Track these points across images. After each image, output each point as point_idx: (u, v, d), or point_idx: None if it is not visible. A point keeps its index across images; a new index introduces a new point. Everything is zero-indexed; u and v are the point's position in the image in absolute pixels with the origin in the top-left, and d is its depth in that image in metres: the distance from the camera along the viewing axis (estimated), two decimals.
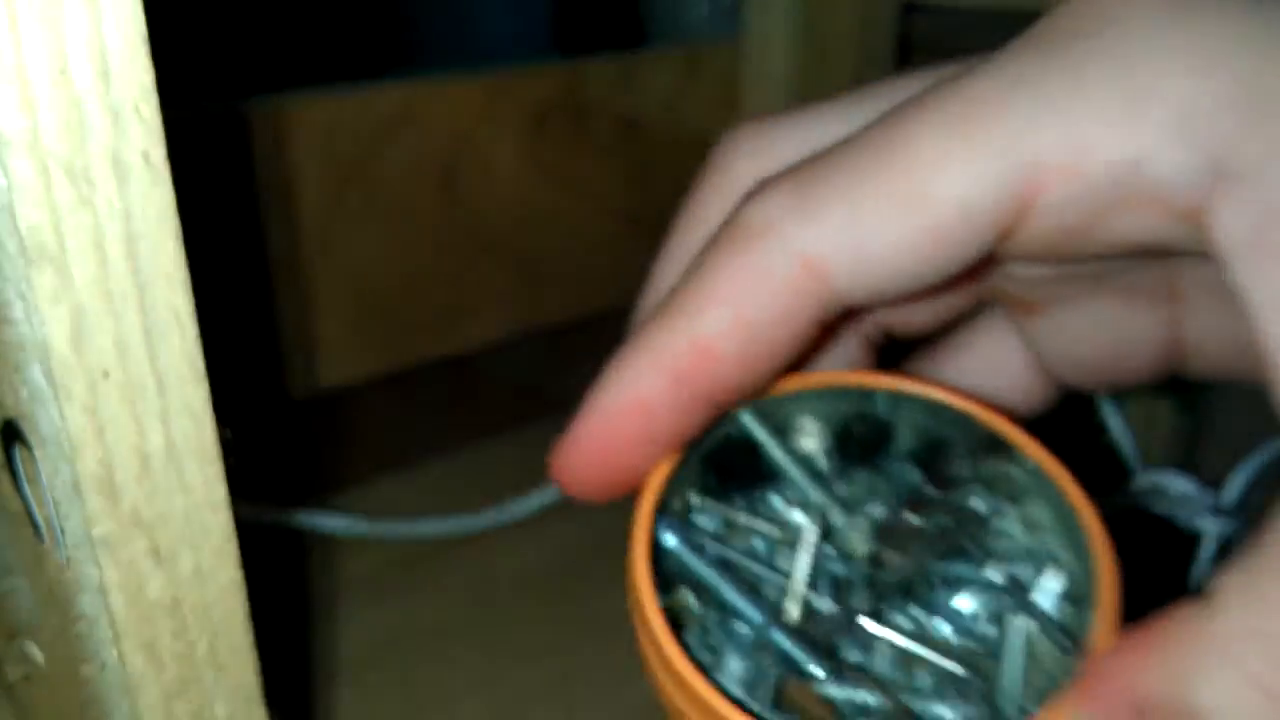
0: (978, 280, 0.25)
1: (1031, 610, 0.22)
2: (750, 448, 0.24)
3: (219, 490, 0.20)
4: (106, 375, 0.18)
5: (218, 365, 0.20)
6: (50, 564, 0.21)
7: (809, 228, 0.20)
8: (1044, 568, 0.22)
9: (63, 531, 0.20)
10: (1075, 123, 0.19)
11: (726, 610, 0.22)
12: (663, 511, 0.22)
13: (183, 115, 0.39)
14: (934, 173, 0.19)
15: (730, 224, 0.21)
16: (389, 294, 0.47)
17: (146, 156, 0.17)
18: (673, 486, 0.23)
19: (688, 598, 0.22)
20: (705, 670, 0.20)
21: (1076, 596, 0.21)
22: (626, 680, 0.32)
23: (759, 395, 0.23)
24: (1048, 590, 0.22)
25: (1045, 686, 0.21)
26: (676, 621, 0.21)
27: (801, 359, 0.23)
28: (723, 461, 0.24)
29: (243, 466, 0.22)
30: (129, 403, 0.18)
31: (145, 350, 0.18)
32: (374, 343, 0.48)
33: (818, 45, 0.51)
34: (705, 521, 0.24)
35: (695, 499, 0.24)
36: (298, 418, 0.47)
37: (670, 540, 0.22)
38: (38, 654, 0.26)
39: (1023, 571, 0.22)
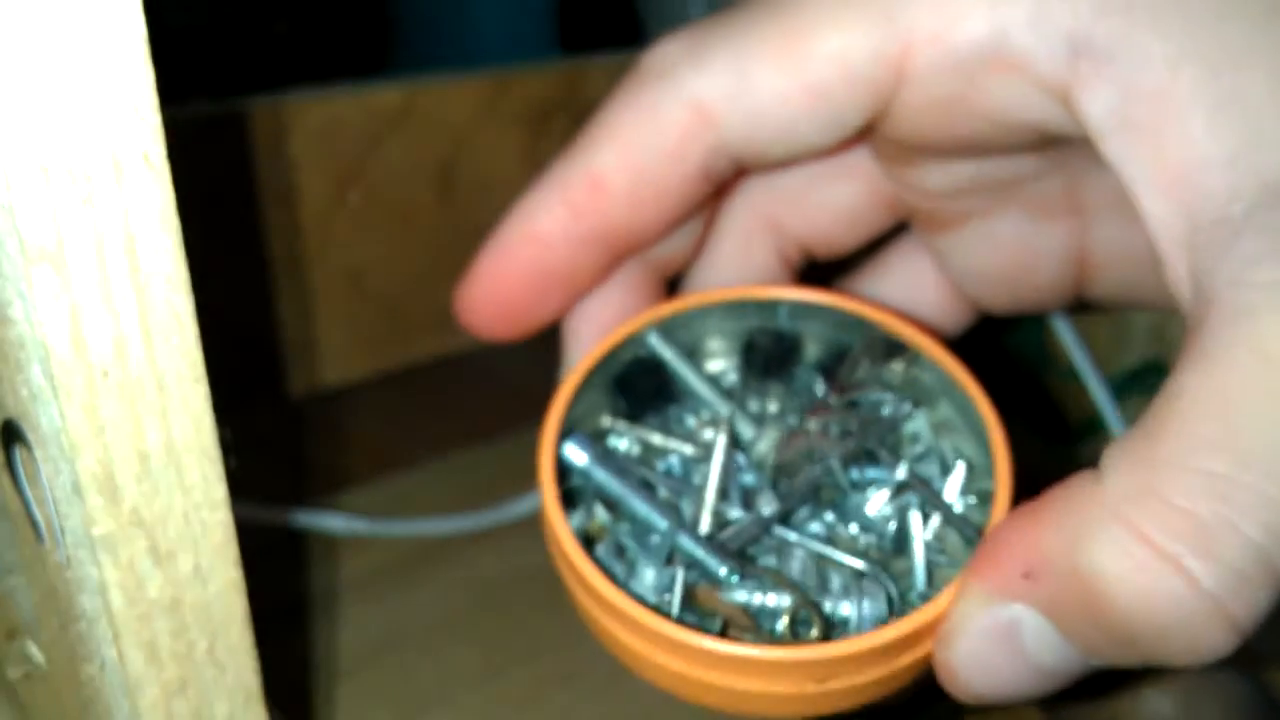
0: (888, 200, 0.26)
1: (937, 505, 0.22)
2: (658, 368, 0.25)
3: (219, 490, 0.20)
4: (106, 375, 0.18)
5: (217, 365, 0.20)
6: (50, 564, 0.21)
7: (700, 74, 0.22)
8: (951, 466, 0.23)
9: (63, 531, 0.20)
10: (945, 0, 0.20)
11: (638, 522, 0.23)
12: (575, 433, 0.23)
13: (183, 115, 0.39)
14: (818, 33, 0.21)
15: (632, 70, 0.23)
16: (388, 293, 0.47)
17: (146, 156, 0.17)
18: (582, 408, 0.23)
19: (599, 513, 0.23)
20: (617, 579, 0.21)
21: (983, 492, 0.22)
22: (625, 679, 0.32)
23: (667, 309, 0.24)
24: (954, 487, 0.23)
25: (952, 576, 0.21)
26: (590, 537, 0.22)
27: (693, 210, 0.24)
28: (633, 384, 0.24)
29: (242, 466, 0.22)
30: (129, 402, 0.18)
31: (145, 350, 0.18)
32: (373, 342, 0.48)
33: None
34: (620, 443, 0.24)
35: (608, 422, 0.24)
36: (297, 417, 0.47)
37: (581, 457, 0.23)
38: (38, 654, 0.26)
39: (930, 471, 0.23)
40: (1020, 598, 0.19)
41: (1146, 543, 0.17)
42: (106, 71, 0.17)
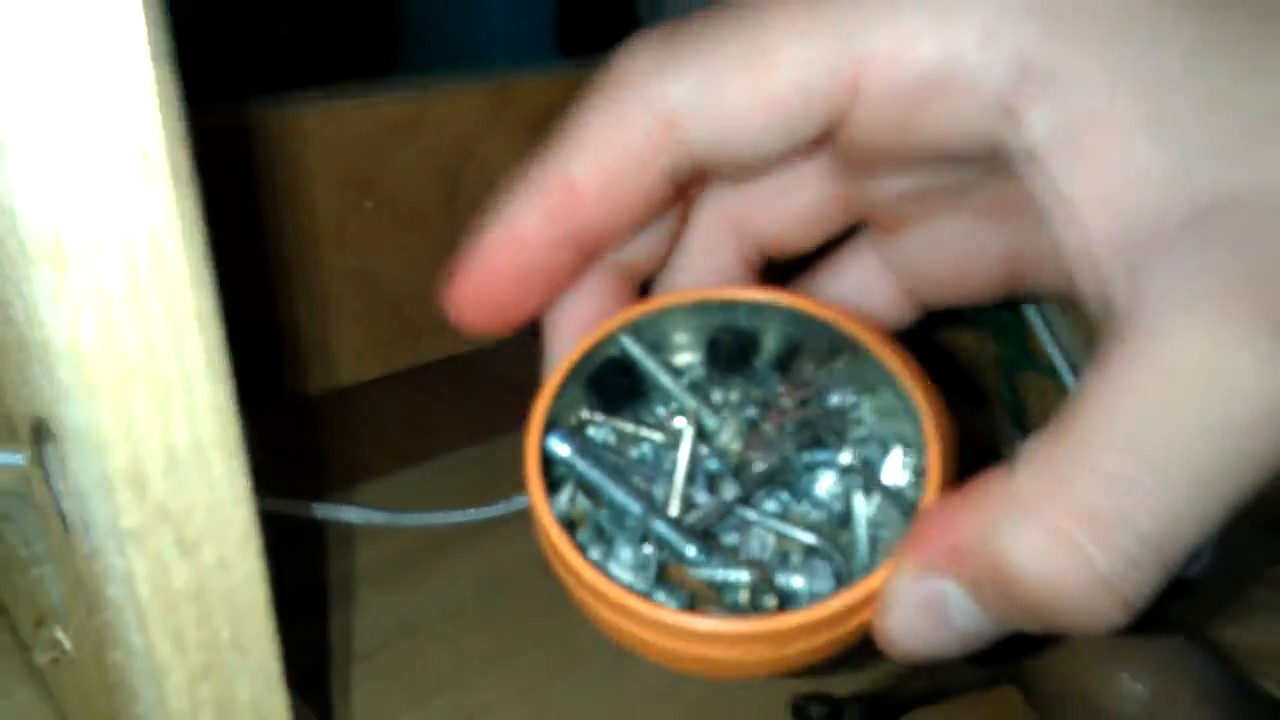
0: (842, 203, 0.27)
1: (878, 485, 0.24)
2: (630, 366, 0.26)
3: (242, 484, 0.21)
4: (134, 374, 0.19)
5: (240, 364, 0.20)
6: (78, 554, 0.21)
7: (668, 84, 0.23)
8: (891, 448, 0.25)
9: (91, 524, 0.20)
10: (899, 22, 0.21)
11: (615, 508, 0.25)
12: (557, 426, 0.25)
13: (204, 123, 0.39)
14: (780, 50, 0.22)
15: (602, 76, 0.24)
16: (399, 295, 0.48)
17: (172, 161, 0.18)
18: (563, 403, 0.25)
19: (581, 500, 0.25)
20: (596, 560, 0.23)
21: (920, 469, 0.24)
22: (631, 663, 0.33)
23: (636, 311, 0.26)
24: (894, 468, 0.25)
25: (891, 547, 0.23)
26: (573, 522, 0.25)
27: (660, 211, 0.25)
28: (608, 380, 0.26)
29: (265, 460, 0.22)
30: (157, 400, 0.19)
31: (172, 349, 0.19)
32: (385, 342, 0.48)
33: None
34: (597, 433, 0.26)
35: (586, 414, 0.26)
36: (315, 415, 0.47)
37: (564, 449, 0.25)
38: (66, 640, 0.26)
39: (874, 453, 0.25)
40: (945, 575, 0.21)
41: (1051, 533, 0.19)
42: (134, 77, 0.17)
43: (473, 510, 0.41)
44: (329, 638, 0.35)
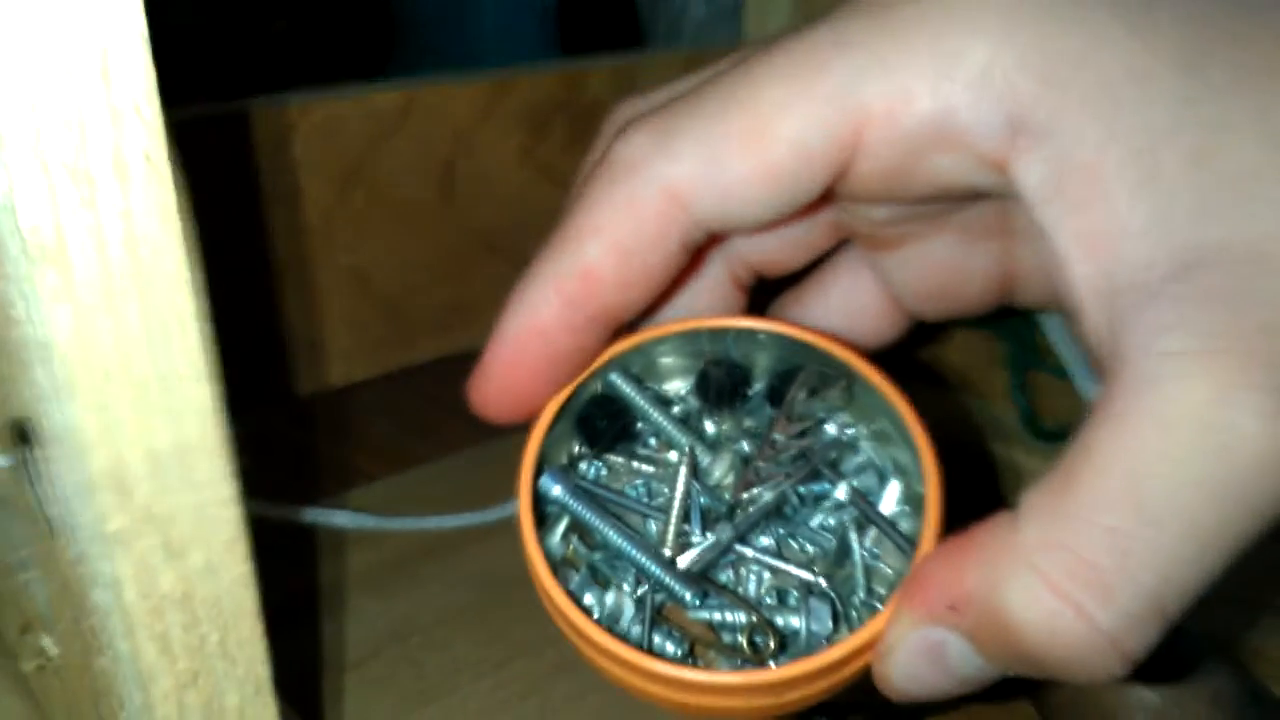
0: (832, 222, 0.27)
1: (875, 519, 0.24)
2: (619, 401, 0.26)
3: (228, 487, 0.21)
4: (111, 374, 0.18)
5: (229, 365, 0.20)
6: (63, 559, 0.21)
7: (670, 164, 0.23)
8: (888, 478, 0.25)
9: (75, 528, 0.20)
10: (895, 79, 0.21)
11: (610, 550, 0.25)
12: (550, 470, 0.25)
13: (186, 115, 0.39)
14: (774, 117, 0.22)
15: (602, 162, 0.24)
16: (392, 293, 0.47)
17: (148, 157, 0.18)
18: (554, 439, 0.25)
19: (575, 543, 0.25)
20: (594, 605, 0.24)
21: (916, 496, 0.24)
22: None
23: (625, 345, 0.26)
24: (890, 498, 0.25)
25: (892, 581, 0.24)
26: (571, 565, 0.25)
27: (676, 282, 0.26)
28: (598, 416, 0.26)
29: (254, 464, 0.22)
30: (137, 401, 0.19)
31: (148, 349, 0.19)
32: (378, 342, 0.48)
33: None
34: (589, 470, 0.26)
35: (577, 451, 0.26)
36: (306, 416, 0.47)
37: (556, 490, 0.25)
38: (52, 646, 0.26)
39: (870, 482, 0.25)
40: (946, 625, 0.21)
41: (1054, 590, 0.19)
42: (108, 72, 0.17)
43: (466, 515, 0.40)
44: (320, 644, 0.35)
